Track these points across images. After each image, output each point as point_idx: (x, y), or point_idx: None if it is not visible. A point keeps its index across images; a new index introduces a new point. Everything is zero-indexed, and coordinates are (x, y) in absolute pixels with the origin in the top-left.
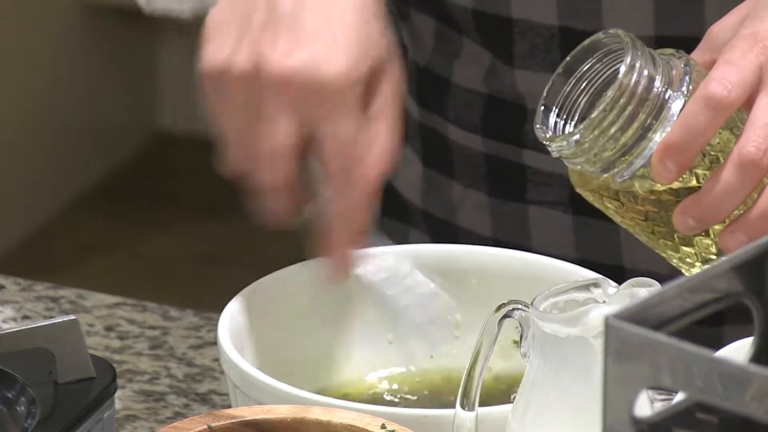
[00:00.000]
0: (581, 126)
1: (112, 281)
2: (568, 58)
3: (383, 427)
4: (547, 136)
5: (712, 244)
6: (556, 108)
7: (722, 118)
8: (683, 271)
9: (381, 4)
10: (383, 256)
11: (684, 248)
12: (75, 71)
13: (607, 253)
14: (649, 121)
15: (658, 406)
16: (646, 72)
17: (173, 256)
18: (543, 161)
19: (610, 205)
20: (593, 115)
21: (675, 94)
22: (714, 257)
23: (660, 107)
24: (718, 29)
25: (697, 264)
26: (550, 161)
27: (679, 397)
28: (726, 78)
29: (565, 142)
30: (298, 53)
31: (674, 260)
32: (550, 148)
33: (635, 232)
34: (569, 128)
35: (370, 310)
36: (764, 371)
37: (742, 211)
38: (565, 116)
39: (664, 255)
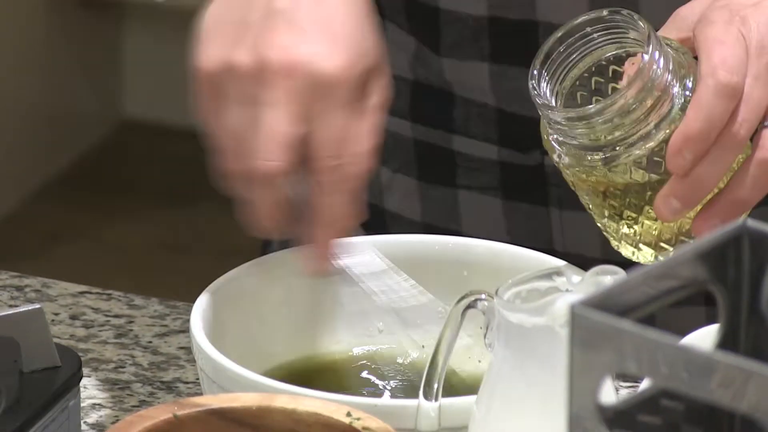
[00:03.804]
0: (595, 107)
1: (77, 270)
2: (566, 26)
3: (348, 414)
4: (543, 102)
5: (656, 227)
6: (545, 72)
7: (735, 103)
8: (620, 248)
9: (371, 7)
10: (369, 247)
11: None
12: (39, 59)
13: (537, 237)
14: (654, 111)
15: (624, 393)
16: (662, 62)
17: (138, 244)
18: (473, 147)
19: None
20: (609, 100)
21: (678, 85)
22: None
23: (668, 99)
24: (686, 12)
25: (641, 248)
26: (480, 147)
27: (645, 384)
28: (729, 62)
29: (562, 118)
30: (298, 48)
31: (612, 234)
32: (543, 113)
33: (594, 207)
34: (549, 90)
35: (357, 299)
36: (729, 358)
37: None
38: (549, 79)
39: (610, 230)
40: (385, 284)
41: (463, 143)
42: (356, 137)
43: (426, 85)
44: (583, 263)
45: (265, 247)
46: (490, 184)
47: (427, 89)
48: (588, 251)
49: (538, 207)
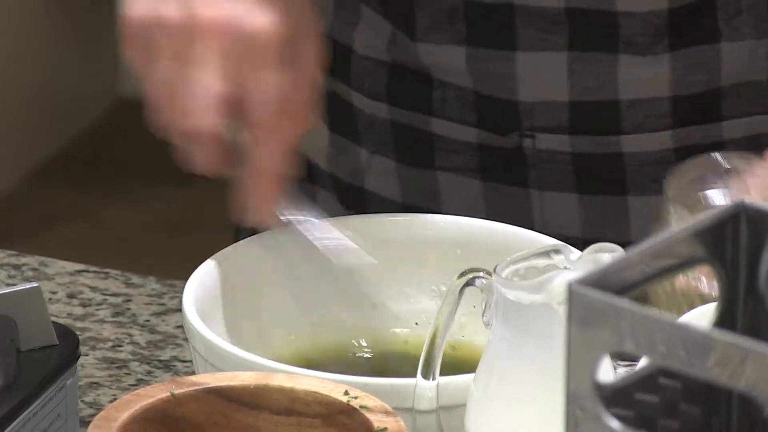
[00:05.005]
0: None
1: (75, 249)
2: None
3: (346, 393)
4: None
5: None
6: None
7: None
8: None
9: None
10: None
11: None
12: (36, 39)
13: (517, 217)
14: None
15: (621, 372)
16: None
17: (135, 223)
18: (451, 129)
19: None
20: None
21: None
22: None
23: None
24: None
25: None
26: (457, 129)
27: (642, 363)
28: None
29: None
30: (227, 4)
31: None
32: None
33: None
34: None
35: (350, 276)
36: (727, 337)
37: None
38: None
39: None
40: (329, 237)
41: (441, 126)
42: (290, 94)
43: (403, 68)
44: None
45: (237, 233)
46: (469, 166)
47: (404, 72)
48: (568, 231)
49: (517, 188)
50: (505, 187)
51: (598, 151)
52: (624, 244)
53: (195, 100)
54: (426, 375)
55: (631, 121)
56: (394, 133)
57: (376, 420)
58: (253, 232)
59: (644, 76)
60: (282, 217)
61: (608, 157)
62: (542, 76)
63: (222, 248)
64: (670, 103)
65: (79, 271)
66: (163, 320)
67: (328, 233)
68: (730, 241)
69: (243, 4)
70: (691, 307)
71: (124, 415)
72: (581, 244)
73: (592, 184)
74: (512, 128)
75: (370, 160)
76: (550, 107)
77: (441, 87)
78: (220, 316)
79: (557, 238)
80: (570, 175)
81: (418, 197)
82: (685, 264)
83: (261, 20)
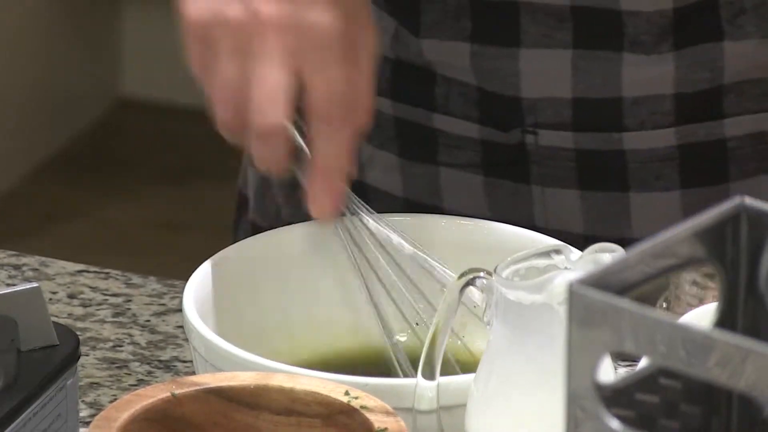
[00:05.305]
0: None
1: (75, 248)
2: None
3: (347, 393)
4: None
5: None
6: None
7: None
8: None
9: None
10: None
11: None
12: (37, 38)
13: (519, 213)
14: None
15: (621, 372)
16: None
17: (136, 223)
18: (454, 125)
19: None
20: None
21: None
22: None
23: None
24: None
25: None
26: (460, 125)
27: (643, 363)
28: None
29: None
30: (288, 1)
31: None
32: None
33: None
34: None
35: (351, 277)
36: (727, 337)
37: None
38: None
39: None
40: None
41: (444, 121)
42: (351, 90)
43: (407, 64)
44: (565, 239)
45: (237, 233)
46: (472, 162)
47: (408, 68)
48: (570, 227)
49: (519, 184)
50: (507, 183)
51: (601, 148)
52: (626, 241)
53: (264, 95)
54: (426, 375)
55: (635, 118)
56: (397, 128)
57: (377, 420)
58: (254, 231)
59: (648, 75)
60: (342, 213)
61: (611, 154)
62: (546, 73)
63: (222, 248)
64: (674, 100)
65: (80, 271)
66: (163, 320)
67: (381, 230)
68: (730, 241)
69: (303, 0)
70: None
71: (125, 415)
72: (583, 241)
73: (594, 180)
74: (515, 124)
75: (372, 155)
76: (553, 104)
77: (444, 83)
78: (220, 316)
79: (559, 235)
80: (573, 171)
81: (420, 193)
82: (686, 264)
83: (322, 16)
